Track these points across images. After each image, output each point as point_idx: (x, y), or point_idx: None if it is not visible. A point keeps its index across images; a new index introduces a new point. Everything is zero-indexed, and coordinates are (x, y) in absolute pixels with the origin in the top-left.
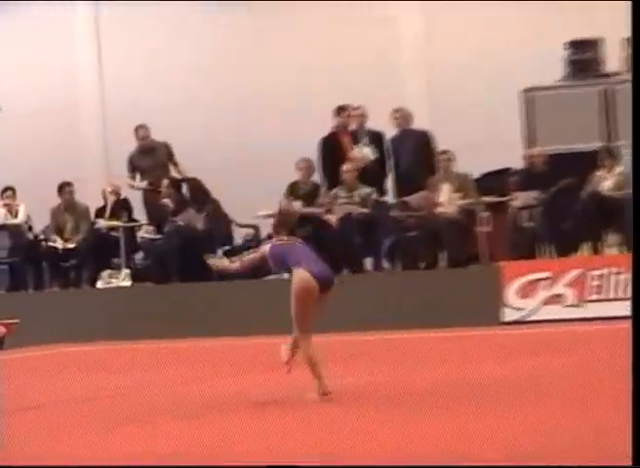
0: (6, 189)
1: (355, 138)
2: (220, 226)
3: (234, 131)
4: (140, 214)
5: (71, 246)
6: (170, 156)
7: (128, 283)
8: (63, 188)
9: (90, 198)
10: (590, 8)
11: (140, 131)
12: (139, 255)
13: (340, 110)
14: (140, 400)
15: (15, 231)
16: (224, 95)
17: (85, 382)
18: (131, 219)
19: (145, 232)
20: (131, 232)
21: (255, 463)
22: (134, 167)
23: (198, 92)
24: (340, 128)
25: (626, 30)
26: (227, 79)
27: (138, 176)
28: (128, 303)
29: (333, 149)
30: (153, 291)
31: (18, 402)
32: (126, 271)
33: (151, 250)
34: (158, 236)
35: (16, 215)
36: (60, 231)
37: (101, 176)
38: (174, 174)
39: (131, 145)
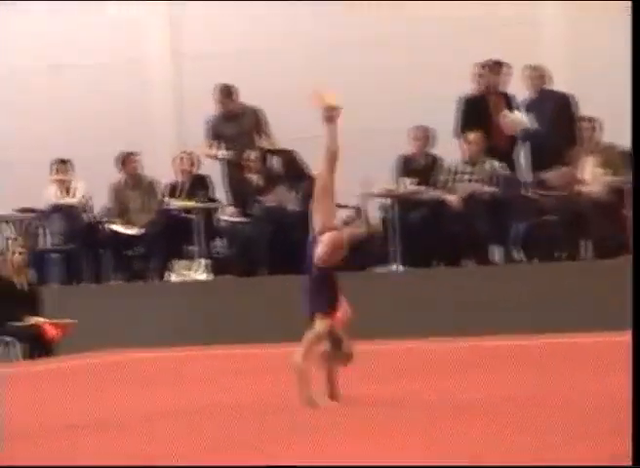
0: (59, 162)
1: (508, 101)
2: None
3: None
4: (220, 192)
5: (136, 231)
6: (260, 124)
7: (205, 275)
8: (127, 160)
9: (159, 172)
10: None
11: (224, 91)
12: (218, 243)
13: (496, 66)
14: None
15: (70, 213)
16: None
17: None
18: (209, 199)
19: (227, 214)
20: (209, 214)
21: None
22: (216, 134)
23: (293, 53)
24: (491, 87)
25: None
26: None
27: (222, 146)
28: (205, 300)
29: (478, 112)
30: (236, 285)
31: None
32: (203, 261)
33: (234, 236)
34: (242, 219)
35: (72, 194)
36: (122, 213)
37: (173, 146)
38: (264, 144)
39: (210, 109)
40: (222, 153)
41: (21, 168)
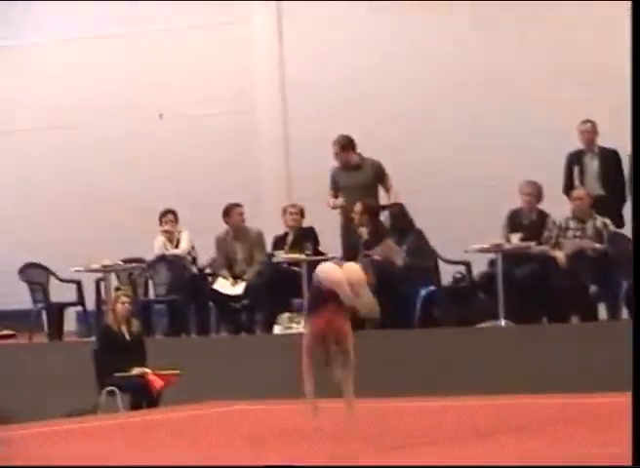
0: (166, 213)
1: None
2: (423, 262)
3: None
4: (327, 245)
5: (239, 290)
6: (381, 177)
7: None
8: (231, 211)
9: (265, 224)
10: None
11: (344, 142)
12: None
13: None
14: None
15: (176, 263)
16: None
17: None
18: (317, 252)
19: None
20: (315, 267)
21: None
22: (335, 186)
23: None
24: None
25: None
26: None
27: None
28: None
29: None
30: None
31: None
32: None
33: None
34: None
35: (177, 245)
36: (228, 264)
37: (280, 198)
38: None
39: (319, 159)
40: (341, 202)
41: (128, 218)
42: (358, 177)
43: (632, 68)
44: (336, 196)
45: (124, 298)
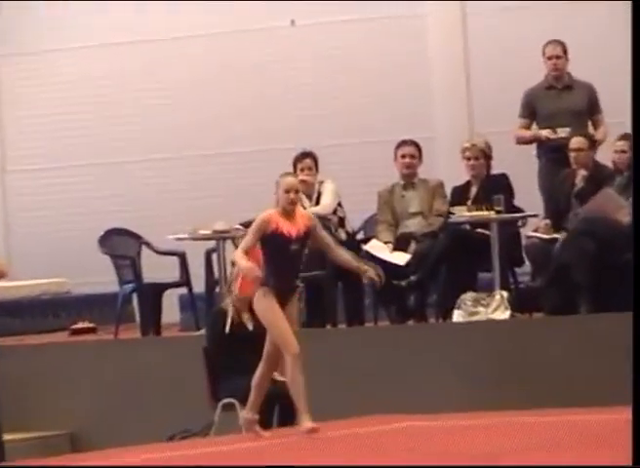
0: (302, 157)
1: None
2: None
3: None
4: (525, 200)
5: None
6: (594, 105)
7: (506, 314)
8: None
9: (440, 169)
10: None
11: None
12: (524, 269)
13: None
14: None
15: None
16: None
17: None
18: (511, 208)
19: (537, 230)
20: (512, 229)
21: None
22: (530, 110)
23: None
24: None
25: None
26: None
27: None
28: (505, 347)
29: None
30: (547, 326)
31: None
32: (502, 294)
33: (543, 259)
34: (556, 236)
35: (317, 201)
36: (394, 226)
37: (462, 132)
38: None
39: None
40: (557, 134)
41: (253, 163)
42: (569, 101)
43: (632, 68)
44: (528, 127)
45: None
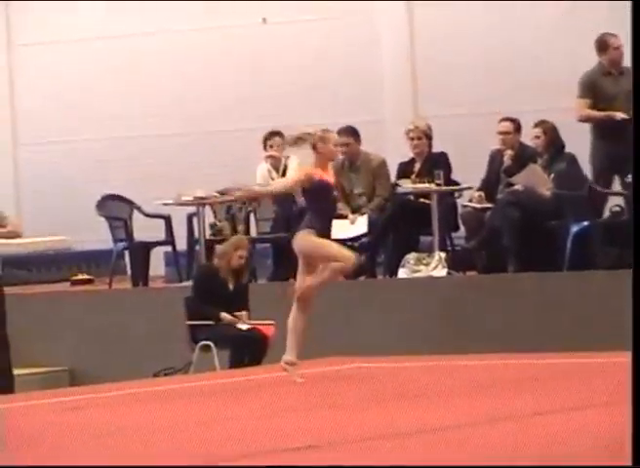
0: (271, 135)
1: None
2: (576, 192)
3: None
4: (461, 172)
5: (360, 219)
6: None
7: (443, 272)
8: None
9: (388, 148)
10: None
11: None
12: (459, 233)
13: None
14: None
15: (282, 196)
16: None
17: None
18: (449, 181)
19: (471, 200)
20: (449, 199)
21: None
22: (595, 91)
23: None
24: None
25: None
26: None
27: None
28: (443, 300)
29: None
30: (479, 283)
31: None
32: (440, 255)
33: (476, 225)
34: (487, 205)
35: (284, 173)
36: (344, 198)
37: (407, 115)
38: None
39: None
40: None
41: (227, 141)
42: (624, 85)
43: (632, 68)
44: (592, 106)
45: (243, 251)
